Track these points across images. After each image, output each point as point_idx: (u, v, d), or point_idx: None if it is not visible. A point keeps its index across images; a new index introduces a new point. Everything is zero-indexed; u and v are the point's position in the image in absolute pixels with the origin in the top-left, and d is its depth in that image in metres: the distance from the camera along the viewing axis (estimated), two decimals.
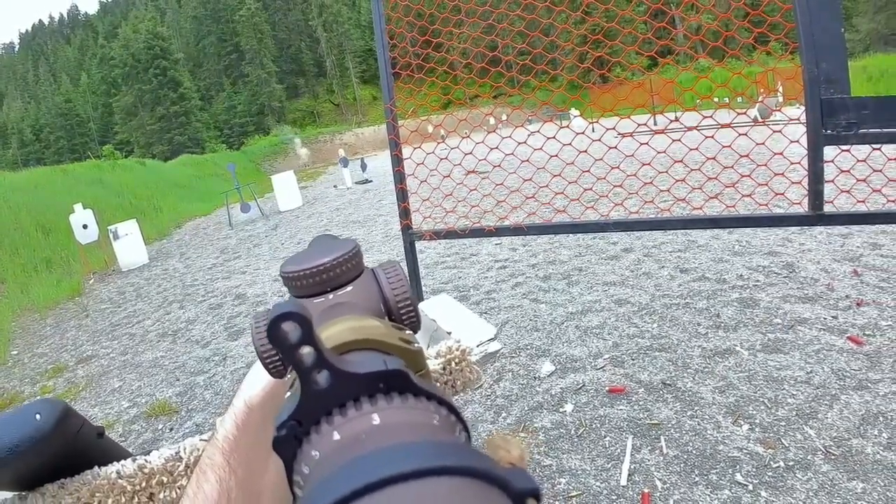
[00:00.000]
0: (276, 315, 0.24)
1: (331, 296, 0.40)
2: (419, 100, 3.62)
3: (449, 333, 1.13)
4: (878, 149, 1.55)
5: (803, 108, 1.72)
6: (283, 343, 0.24)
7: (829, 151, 1.59)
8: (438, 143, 3.10)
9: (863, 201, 1.75)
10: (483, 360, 1.04)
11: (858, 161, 1.60)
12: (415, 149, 3.29)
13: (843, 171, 1.65)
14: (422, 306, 1.38)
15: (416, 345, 0.34)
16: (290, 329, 0.24)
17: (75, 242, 10.88)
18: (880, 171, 1.70)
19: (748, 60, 3.70)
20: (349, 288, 0.40)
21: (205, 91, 73.81)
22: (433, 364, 0.90)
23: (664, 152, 2.50)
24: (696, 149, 2.47)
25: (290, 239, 10.34)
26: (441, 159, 3.04)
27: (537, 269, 5.79)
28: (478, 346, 1.06)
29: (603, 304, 4.58)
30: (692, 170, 2.09)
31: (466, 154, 2.88)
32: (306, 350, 0.24)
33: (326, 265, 0.40)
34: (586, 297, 4.79)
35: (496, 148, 2.88)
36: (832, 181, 1.68)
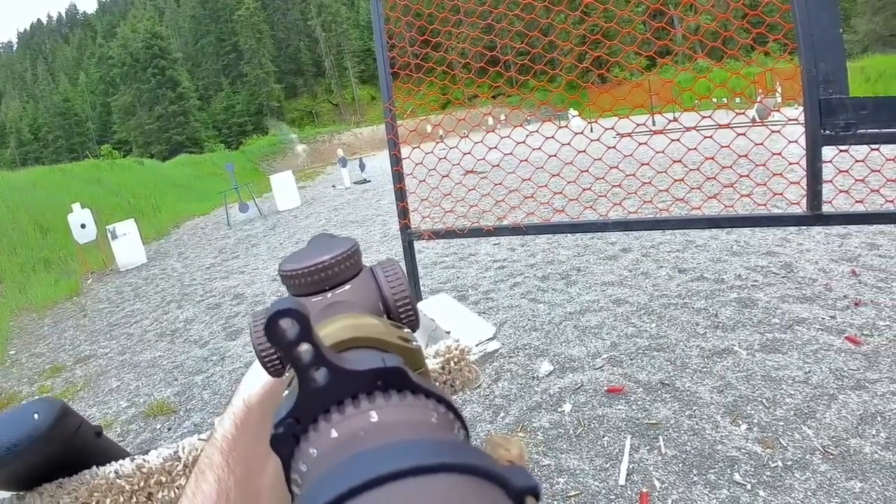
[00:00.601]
0: (273, 312, 0.23)
1: (329, 294, 0.40)
2: (418, 99, 3.61)
3: (448, 333, 1.13)
4: (877, 149, 1.55)
5: (801, 108, 1.72)
6: (281, 340, 0.23)
7: (828, 152, 1.59)
8: (437, 142, 3.09)
9: (861, 201, 1.75)
10: (482, 360, 1.04)
11: (857, 161, 1.60)
12: (413, 148, 3.29)
13: (841, 172, 1.66)
14: (420, 306, 1.37)
15: (414, 343, 0.33)
16: (288, 326, 0.24)
17: (73, 242, 10.87)
18: (878, 171, 1.70)
19: (747, 61, 3.69)
20: (347, 286, 0.40)
21: (203, 90, 73.73)
22: (432, 363, 0.90)
23: (662, 152, 2.50)
24: (695, 149, 2.47)
25: (289, 239, 10.33)
26: (440, 159, 3.04)
27: (535, 269, 5.79)
28: (477, 345, 1.05)
29: (601, 304, 4.58)
30: (691, 170, 2.09)
31: (465, 154, 2.88)
32: (304, 347, 0.24)
33: (324, 263, 0.39)
34: (585, 297, 4.79)
35: (495, 147, 2.87)
36: (830, 181, 1.68)
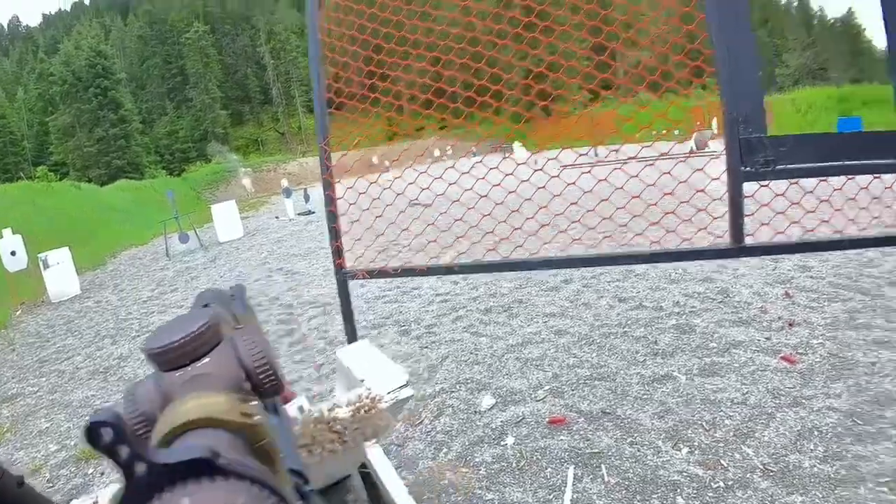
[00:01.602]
0: (90, 423, 0.27)
1: (189, 368, 0.42)
2: (363, 130, 3.60)
3: (362, 381, 1.14)
4: (796, 183, 1.64)
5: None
6: (100, 444, 0.27)
7: (752, 185, 1.68)
8: (382, 171, 3.07)
9: (782, 232, 1.85)
10: (395, 407, 1.05)
11: (777, 195, 1.69)
12: (357, 179, 3.25)
13: (763, 205, 1.74)
14: (339, 354, 1.44)
15: (255, 417, 0.36)
16: (108, 432, 0.27)
17: (2, 270, 10.29)
18: (798, 203, 1.80)
19: (684, 93, 3.84)
20: (206, 360, 0.43)
21: (146, 114, 71.70)
22: (343, 413, 0.91)
23: (605, 180, 2.53)
24: (636, 177, 2.52)
25: (230, 272, 10.06)
26: (383, 189, 3.00)
27: (478, 302, 5.79)
28: (388, 393, 1.06)
29: (543, 336, 4.59)
30: (618, 208, 2.14)
31: (409, 184, 2.86)
32: (124, 449, 0.27)
33: (177, 344, 0.42)
34: (526, 329, 4.80)
35: (440, 178, 2.85)
36: (752, 215, 1.77)
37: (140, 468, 0.27)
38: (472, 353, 4.46)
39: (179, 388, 0.40)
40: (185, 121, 70.66)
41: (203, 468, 0.28)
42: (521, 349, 4.39)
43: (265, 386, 0.44)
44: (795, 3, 72.11)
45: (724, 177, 1.63)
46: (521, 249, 2.42)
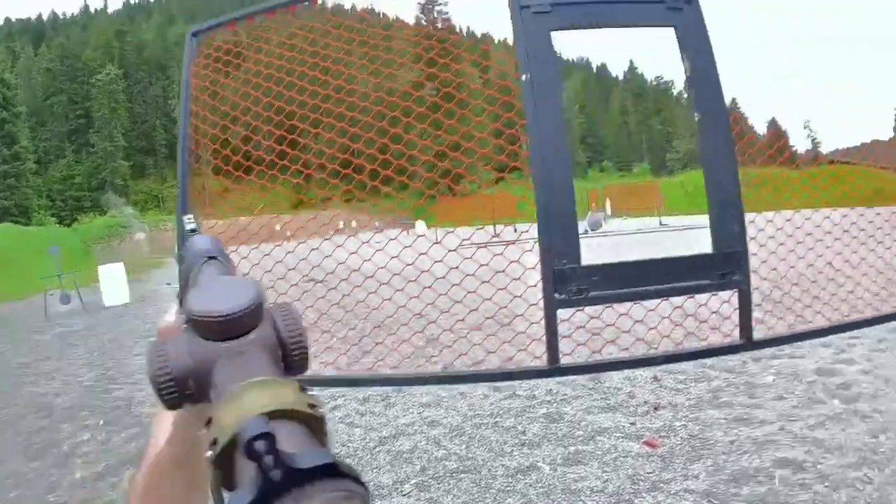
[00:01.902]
0: (250, 437, 0.29)
1: (236, 342, 0.41)
2: (268, 196, 3.53)
3: None
4: (610, 306, 1.85)
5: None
6: (253, 453, 0.29)
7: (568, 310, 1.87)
8: (284, 240, 2.98)
9: (598, 351, 2.04)
10: None
11: (592, 318, 1.89)
12: (252, 249, 3.09)
13: (578, 328, 1.93)
14: None
15: (320, 410, 0.37)
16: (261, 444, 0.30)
17: None
18: (613, 325, 2.01)
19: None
20: (252, 336, 0.42)
21: (43, 154, 66.72)
22: None
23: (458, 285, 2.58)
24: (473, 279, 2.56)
25: (111, 343, 9.35)
26: (276, 277, 2.88)
27: (357, 391, 5.58)
28: None
29: (416, 427, 4.56)
30: (444, 330, 2.27)
31: (325, 254, 2.76)
32: (269, 458, 0.29)
33: (237, 314, 0.41)
34: (401, 420, 4.75)
35: (339, 247, 2.75)
36: (569, 336, 1.95)
37: (276, 472, 0.29)
38: (344, 446, 4.36)
39: (224, 361, 0.40)
40: (84, 166, 66.55)
41: (326, 471, 0.30)
42: (393, 441, 4.34)
43: (296, 359, 0.44)
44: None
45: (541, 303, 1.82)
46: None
